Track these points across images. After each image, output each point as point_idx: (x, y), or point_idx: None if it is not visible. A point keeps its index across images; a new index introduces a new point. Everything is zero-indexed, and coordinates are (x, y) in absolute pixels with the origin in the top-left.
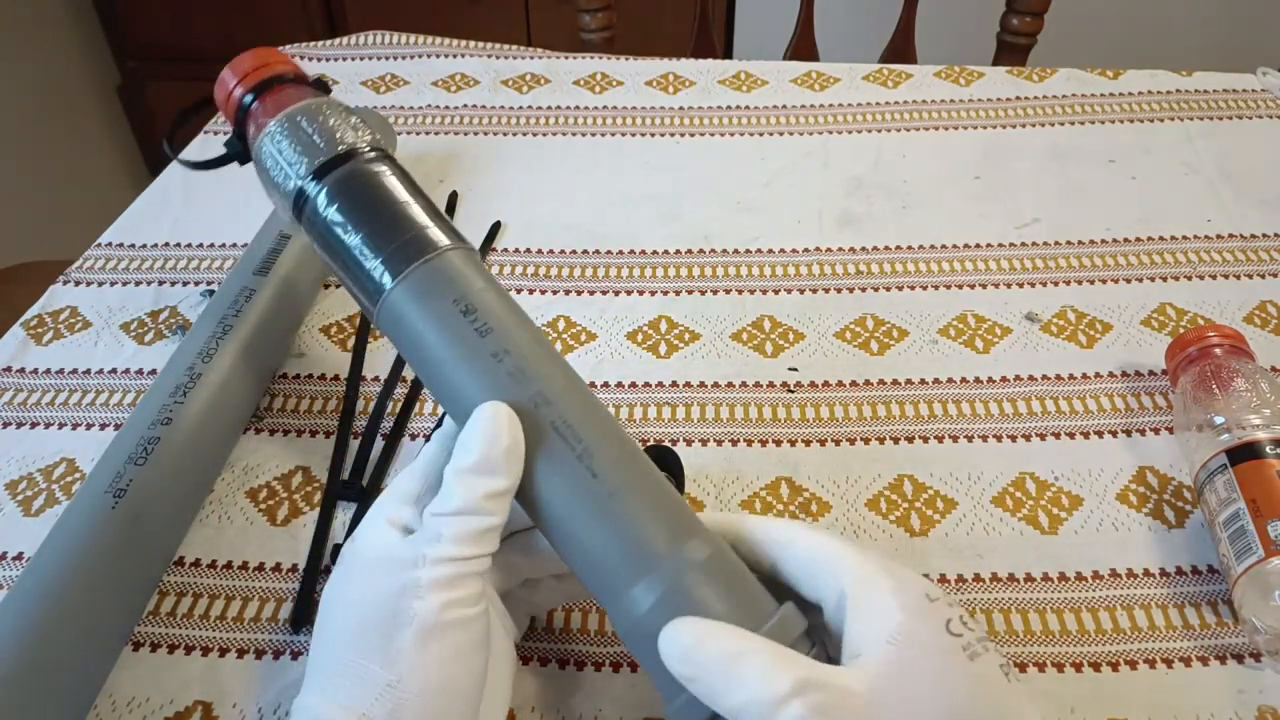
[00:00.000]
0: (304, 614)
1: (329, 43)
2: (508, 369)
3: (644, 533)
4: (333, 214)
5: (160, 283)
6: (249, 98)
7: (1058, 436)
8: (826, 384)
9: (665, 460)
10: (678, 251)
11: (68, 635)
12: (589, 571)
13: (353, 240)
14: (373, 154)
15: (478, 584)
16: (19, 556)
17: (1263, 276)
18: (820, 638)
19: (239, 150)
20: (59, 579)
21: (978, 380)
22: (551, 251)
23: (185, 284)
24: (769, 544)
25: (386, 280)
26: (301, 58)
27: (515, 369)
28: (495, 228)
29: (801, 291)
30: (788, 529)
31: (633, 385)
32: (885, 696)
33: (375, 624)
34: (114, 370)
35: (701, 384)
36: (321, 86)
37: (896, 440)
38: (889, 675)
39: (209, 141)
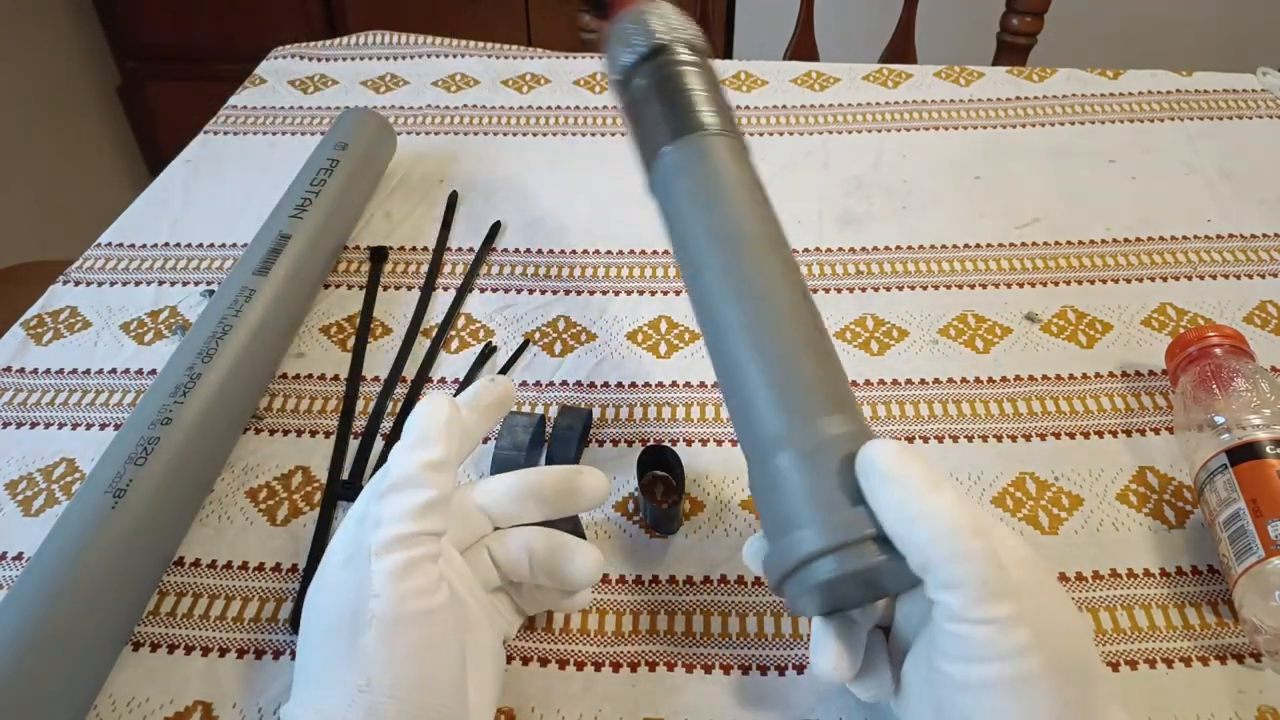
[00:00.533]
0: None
1: (329, 43)
2: (729, 237)
3: (842, 376)
4: (642, 91)
5: (160, 283)
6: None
7: (1058, 436)
8: None
9: (665, 460)
10: None
11: (68, 635)
12: (745, 416)
13: (652, 110)
14: (690, 53)
15: (432, 571)
16: (19, 556)
17: (1263, 276)
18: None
19: (604, 7)
20: (59, 579)
21: (978, 380)
22: (551, 251)
23: (185, 284)
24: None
25: (662, 145)
26: (301, 57)
27: (737, 235)
28: (495, 228)
29: None
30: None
31: (633, 385)
32: (1033, 593)
33: (340, 627)
34: (114, 370)
35: (701, 384)
36: None
37: (897, 440)
38: (1035, 579)
39: (209, 141)
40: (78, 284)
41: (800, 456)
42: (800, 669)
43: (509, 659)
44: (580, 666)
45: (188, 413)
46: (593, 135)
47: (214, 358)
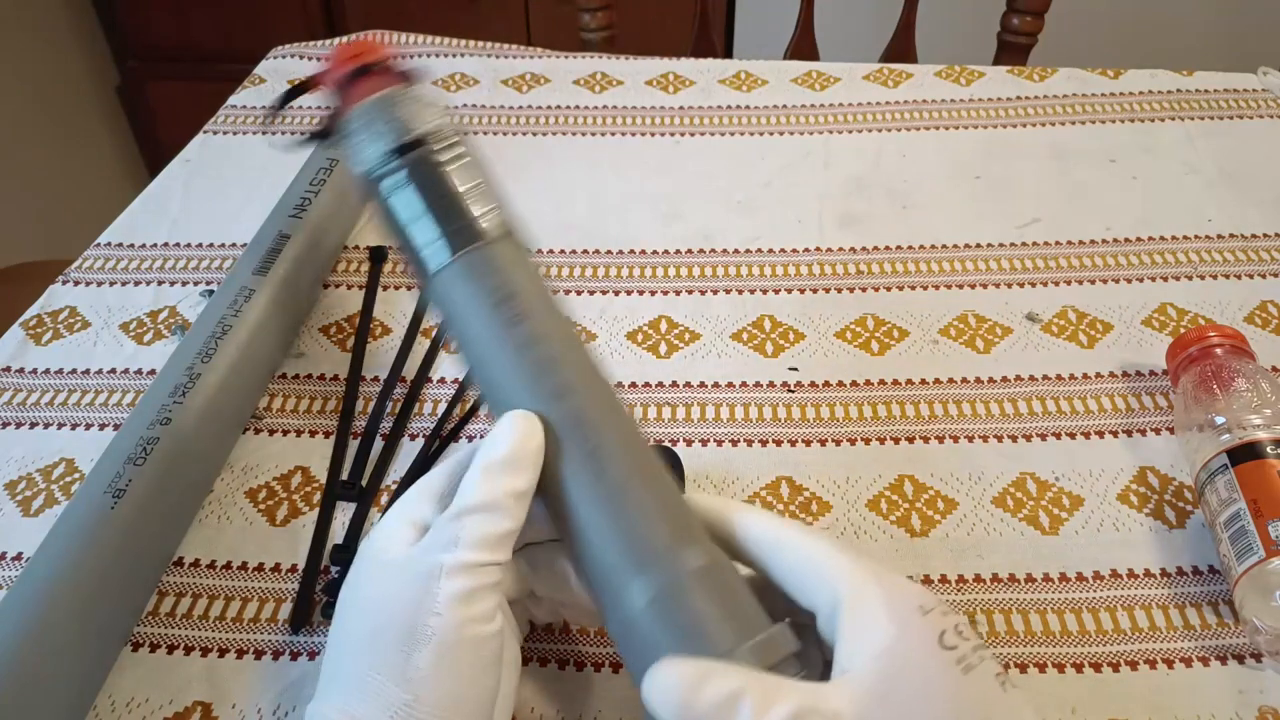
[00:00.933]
0: (304, 614)
1: (329, 42)
2: (533, 358)
3: (645, 532)
4: (397, 196)
5: (160, 283)
6: (345, 79)
7: (1058, 436)
8: (827, 384)
9: (665, 460)
10: (678, 251)
11: (67, 635)
12: (589, 564)
13: (410, 222)
14: (441, 143)
15: (494, 598)
16: (19, 556)
17: (1263, 276)
18: (813, 650)
19: (326, 129)
20: (58, 579)
21: (978, 380)
22: (551, 251)
23: (185, 284)
24: (759, 544)
25: (433, 264)
26: (301, 57)
27: (542, 358)
28: None
29: (801, 291)
30: (779, 530)
31: (633, 385)
32: (871, 715)
33: (392, 638)
34: (113, 370)
35: (701, 384)
36: (409, 78)
37: (897, 440)
38: (875, 694)
39: (209, 141)
40: (77, 284)
41: (624, 637)
42: None
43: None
44: (580, 666)
45: (187, 413)
46: (593, 135)
47: (213, 358)
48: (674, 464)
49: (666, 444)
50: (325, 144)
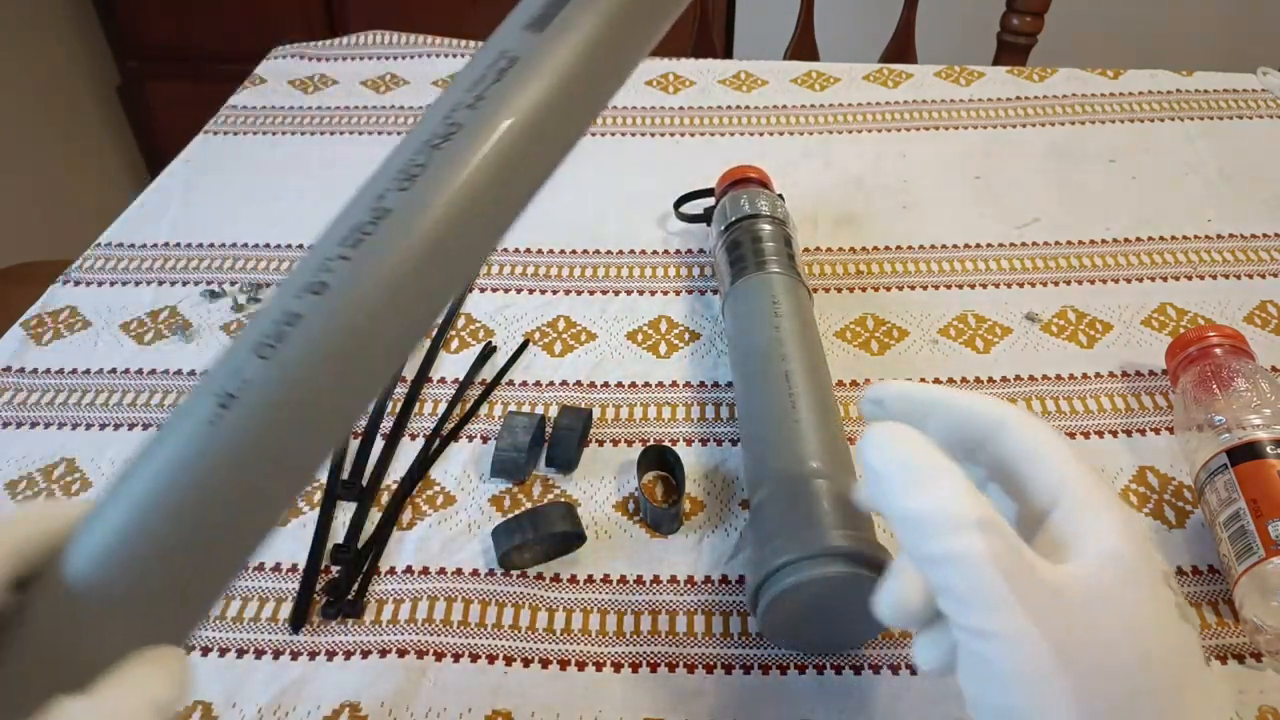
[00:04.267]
0: (303, 614)
1: (329, 43)
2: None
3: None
4: (727, 240)
5: (160, 283)
6: (724, 189)
7: None
8: None
9: (665, 460)
10: (678, 251)
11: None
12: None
13: (731, 254)
14: (763, 219)
15: None
16: None
17: (1263, 276)
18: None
19: (710, 215)
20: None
21: (978, 380)
22: (551, 251)
23: (185, 284)
24: (984, 419)
25: (730, 281)
26: (301, 57)
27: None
28: None
29: None
30: (1008, 414)
31: (633, 385)
32: (1080, 601)
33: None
34: (114, 370)
35: (701, 384)
36: (765, 184)
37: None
38: (1092, 584)
39: (210, 141)
40: (78, 284)
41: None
42: (801, 669)
43: (508, 660)
44: (581, 666)
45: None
46: (593, 135)
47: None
48: (674, 464)
49: (666, 444)
50: (708, 225)
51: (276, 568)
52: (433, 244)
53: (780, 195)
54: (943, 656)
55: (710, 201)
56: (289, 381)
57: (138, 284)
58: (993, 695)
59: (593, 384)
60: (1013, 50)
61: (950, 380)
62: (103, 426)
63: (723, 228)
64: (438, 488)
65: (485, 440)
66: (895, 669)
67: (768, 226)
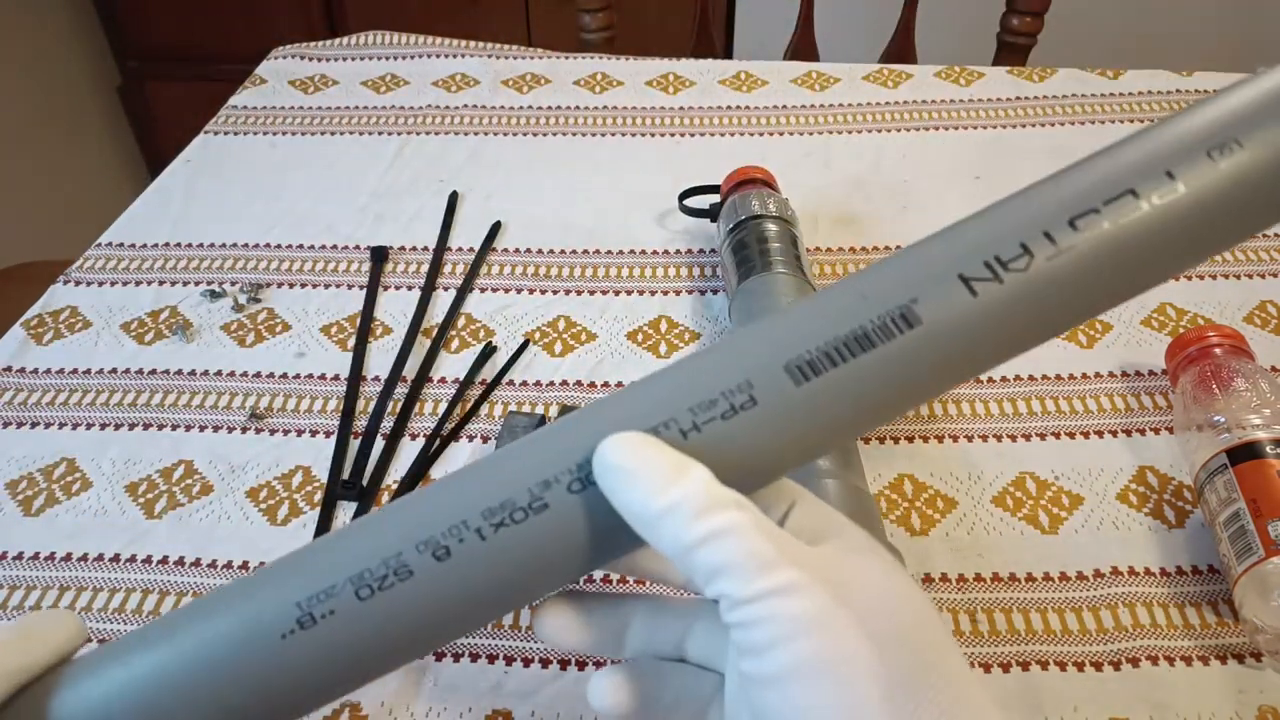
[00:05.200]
0: None
1: (329, 43)
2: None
3: None
4: (734, 241)
5: (160, 283)
6: (730, 190)
7: (1058, 436)
8: None
9: None
10: (678, 251)
11: None
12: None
13: (738, 254)
14: (769, 219)
15: None
16: (19, 556)
17: (1263, 276)
18: None
19: (715, 212)
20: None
21: (978, 380)
22: (551, 251)
23: (185, 284)
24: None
25: (736, 281)
26: (302, 57)
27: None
28: (495, 228)
29: None
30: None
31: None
32: (843, 567)
33: None
34: (114, 370)
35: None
36: (770, 185)
37: (896, 440)
38: (849, 559)
39: (210, 141)
40: (78, 284)
41: None
42: None
43: (508, 660)
44: (581, 666)
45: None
46: (593, 135)
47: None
48: None
49: None
50: (712, 221)
51: None
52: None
53: (784, 197)
54: (623, 694)
55: (713, 198)
56: (372, 632)
57: (138, 284)
58: (782, 656)
59: (593, 384)
60: (1013, 50)
61: None
62: (103, 426)
63: (730, 227)
64: None
65: (485, 440)
66: None
67: (774, 227)
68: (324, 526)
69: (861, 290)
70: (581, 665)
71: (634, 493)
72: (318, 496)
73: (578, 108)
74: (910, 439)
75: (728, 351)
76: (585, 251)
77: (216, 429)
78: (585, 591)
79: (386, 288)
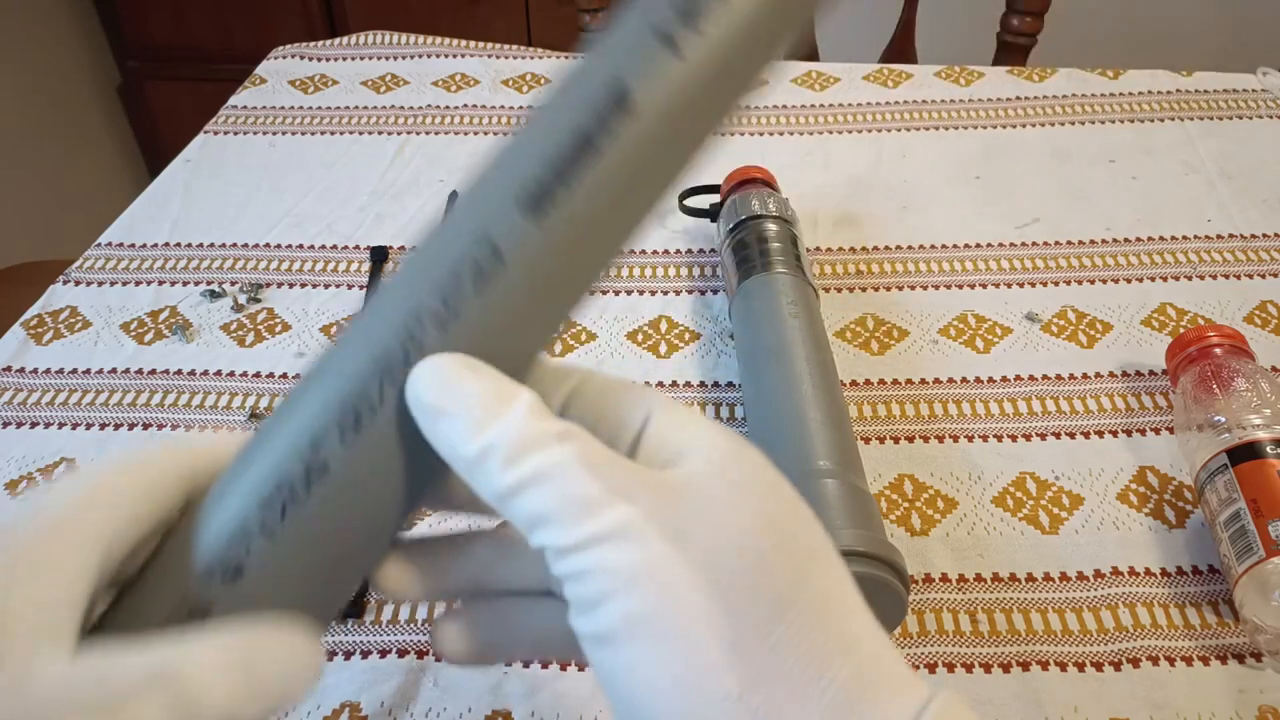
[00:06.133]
0: None
1: (329, 43)
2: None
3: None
4: (734, 241)
5: (160, 283)
6: (730, 190)
7: (1058, 436)
8: None
9: None
10: (678, 251)
11: None
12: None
13: (738, 254)
14: (770, 219)
15: None
16: None
17: (1263, 276)
18: None
19: (715, 212)
20: None
21: (978, 380)
22: None
23: (185, 284)
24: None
25: (736, 281)
26: (302, 57)
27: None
28: None
29: None
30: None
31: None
32: (694, 494)
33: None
34: (114, 370)
35: (701, 384)
36: (770, 185)
37: (897, 440)
38: (709, 478)
39: (210, 141)
40: (78, 284)
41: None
42: None
43: (508, 660)
44: (581, 667)
45: None
46: None
47: None
48: None
49: None
50: (712, 221)
51: None
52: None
53: (784, 197)
54: (472, 637)
55: (713, 198)
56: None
57: (138, 284)
58: (610, 612)
59: None
60: (1013, 50)
61: (950, 380)
62: (103, 426)
63: (730, 227)
64: None
65: None
66: None
67: (774, 227)
68: None
69: (563, 93)
70: (581, 666)
71: (445, 436)
72: None
73: None
74: (910, 439)
75: (458, 215)
76: None
77: (216, 429)
78: (426, 537)
79: None
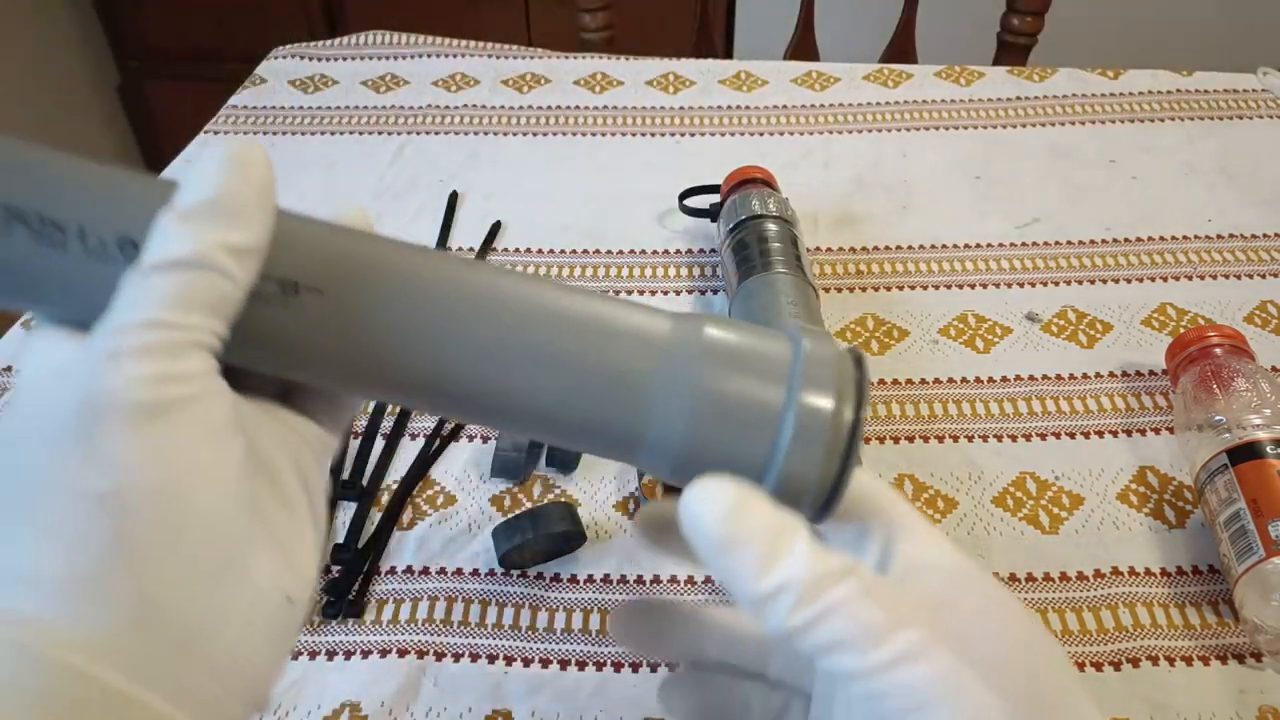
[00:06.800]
0: None
1: (329, 43)
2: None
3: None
4: (734, 241)
5: None
6: (730, 190)
7: (1058, 436)
8: None
9: None
10: (678, 251)
11: None
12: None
13: (738, 254)
14: (770, 219)
15: (204, 358)
16: None
17: (1263, 276)
18: None
19: (715, 212)
20: None
21: (978, 380)
22: (551, 251)
23: None
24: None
25: (736, 281)
26: (302, 57)
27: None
28: (495, 228)
29: None
30: None
31: None
32: (950, 613)
33: (58, 432)
34: None
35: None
36: (770, 185)
37: (897, 440)
38: (951, 598)
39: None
40: None
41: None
42: None
43: (508, 660)
44: (581, 666)
45: None
46: (593, 135)
47: None
48: None
49: None
50: (712, 221)
51: None
52: None
53: (784, 197)
54: (690, 701)
55: (713, 198)
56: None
57: None
58: None
59: None
60: (1013, 50)
61: (950, 380)
62: None
63: (730, 227)
64: (438, 488)
65: (485, 440)
66: None
67: (774, 227)
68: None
69: None
70: (582, 665)
71: (732, 570)
72: None
73: (578, 108)
74: (910, 439)
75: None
76: (585, 251)
77: None
78: (664, 599)
79: None
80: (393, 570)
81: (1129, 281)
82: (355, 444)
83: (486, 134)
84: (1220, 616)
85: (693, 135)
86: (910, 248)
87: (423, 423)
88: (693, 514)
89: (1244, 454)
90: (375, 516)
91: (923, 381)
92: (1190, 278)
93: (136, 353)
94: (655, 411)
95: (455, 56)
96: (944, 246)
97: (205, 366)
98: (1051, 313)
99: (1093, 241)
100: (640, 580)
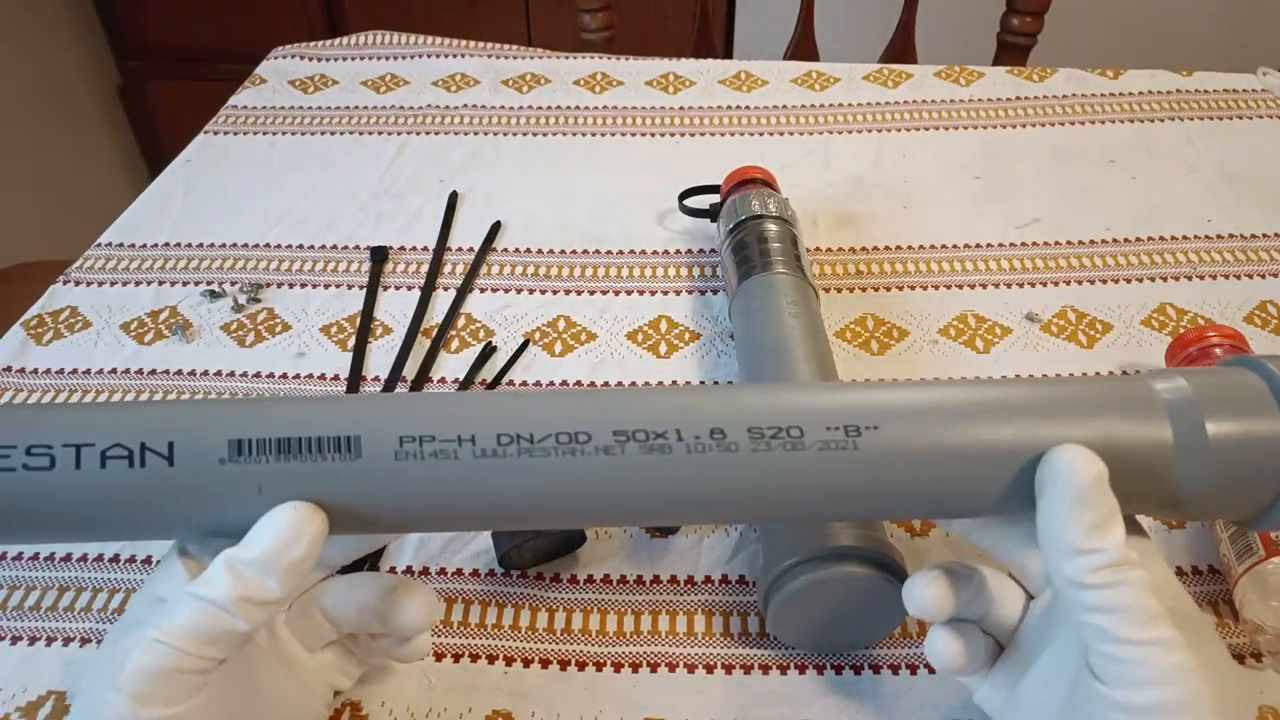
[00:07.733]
0: None
1: (329, 43)
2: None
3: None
4: (734, 241)
5: (160, 283)
6: (730, 190)
7: None
8: None
9: None
10: (677, 251)
11: None
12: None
13: (738, 254)
14: (770, 219)
15: (190, 685)
16: (19, 556)
17: (1263, 276)
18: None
19: (715, 212)
20: None
21: (978, 380)
22: (551, 251)
23: (185, 284)
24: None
25: (736, 281)
26: (302, 57)
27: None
28: (495, 228)
29: None
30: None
31: (633, 385)
32: (1194, 627)
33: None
34: (114, 370)
35: (702, 384)
36: (770, 185)
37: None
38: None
39: (210, 141)
40: (78, 284)
41: None
42: (801, 669)
43: (508, 661)
44: (581, 666)
45: None
46: (593, 135)
47: None
48: None
49: None
50: (712, 221)
51: None
52: None
53: (784, 197)
54: (961, 654)
55: (713, 198)
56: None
57: (138, 284)
58: (1154, 694)
59: (593, 384)
60: (1013, 50)
61: (950, 380)
62: None
63: (730, 227)
64: None
65: None
66: (895, 669)
67: (774, 227)
68: None
69: None
70: (582, 666)
71: (1075, 517)
72: None
73: (578, 108)
74: None
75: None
76: (585, 251)
77: None
78: (953, 564)
79: (386, 288)
80: (393, 570)
81: (1129, 281)
82: None
83: (486, 134)
84: (1220, 616)
85: (693, 135)
86: (910, 248)
87: None
88: (1069, 462)
89: None
90: None
91: (923, 381)
92: (1190, 278)
93: (133, 675)
94: None
95: (455, 56)
96: (944, 246)
97: (184, 690)
98: (1051, 313)
99: (1093, 241)
100: (640, 580)
